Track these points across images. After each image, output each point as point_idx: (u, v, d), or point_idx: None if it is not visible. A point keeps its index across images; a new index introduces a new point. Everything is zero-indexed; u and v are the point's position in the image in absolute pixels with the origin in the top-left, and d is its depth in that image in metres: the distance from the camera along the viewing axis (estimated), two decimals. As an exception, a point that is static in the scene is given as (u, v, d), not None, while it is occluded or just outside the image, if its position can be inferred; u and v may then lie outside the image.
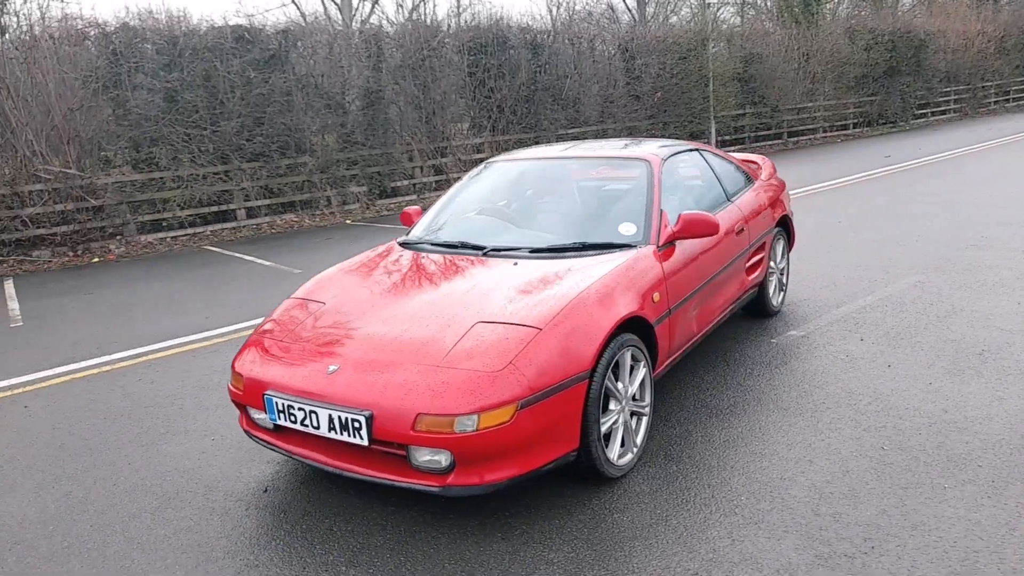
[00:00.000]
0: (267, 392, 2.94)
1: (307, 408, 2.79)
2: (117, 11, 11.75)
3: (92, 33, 11.59)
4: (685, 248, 3.74)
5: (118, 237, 11.62)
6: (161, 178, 11.79)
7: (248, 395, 3.03)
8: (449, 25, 15.11)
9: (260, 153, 12.63)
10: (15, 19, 11.15)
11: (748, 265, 4.64)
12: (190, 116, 11.96)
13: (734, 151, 15.67)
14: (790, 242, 5.48)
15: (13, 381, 5.01)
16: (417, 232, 4.22)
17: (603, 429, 2.97)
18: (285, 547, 2.82)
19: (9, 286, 8.94)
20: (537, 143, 16.20)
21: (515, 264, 3.46)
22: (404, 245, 4.07)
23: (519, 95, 15.64)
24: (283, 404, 2.87)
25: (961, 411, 3.55)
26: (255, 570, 2.69)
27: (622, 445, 3.16)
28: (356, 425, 2.68)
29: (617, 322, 2.99)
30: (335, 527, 2.94)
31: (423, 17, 15.69)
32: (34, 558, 2.86)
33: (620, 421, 3.12)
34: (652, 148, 4.30)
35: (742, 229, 4.46)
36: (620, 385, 3.11)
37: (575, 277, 3.19)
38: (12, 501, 3.33)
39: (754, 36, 20.62)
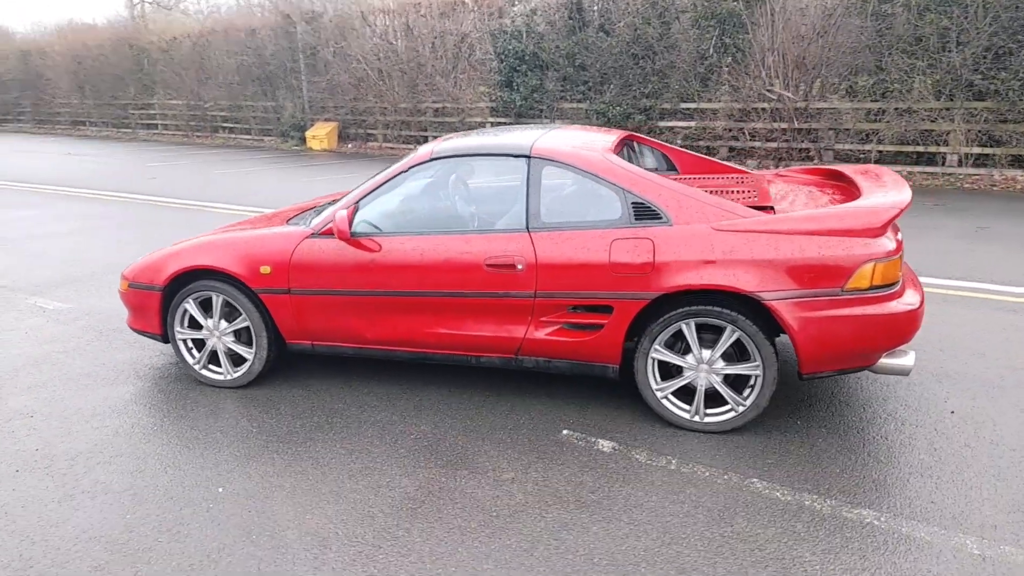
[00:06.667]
0: None
1: None
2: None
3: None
4: (353, 250, 3.67)
5: (813, 161, 12.44)
6: (870, 109, 11.67)
7: None
8: None
9: (994, 91, 10.69)
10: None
11: (553, 322, 3.44)
12: (914, 45, 11.19)
13: None
14: (813, 352, 3.13)
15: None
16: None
17: (183, 336, 4.07)
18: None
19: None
20: None
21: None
22: None
23: None
24: None
25: None
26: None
27: (215, 363, 4.10)
28: None
29: (190, 267, 3.86)
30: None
31: None
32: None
33: (209, 345, 4.05)
34: (450, 144, 3.77)
35: (513, 265, 3.39)
36: (210, 320, 4.01)
37: (245, 230, 4.09)
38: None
39: None
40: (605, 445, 3.33)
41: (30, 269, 6.64)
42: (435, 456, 3.29)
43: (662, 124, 13.62)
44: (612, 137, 3.91)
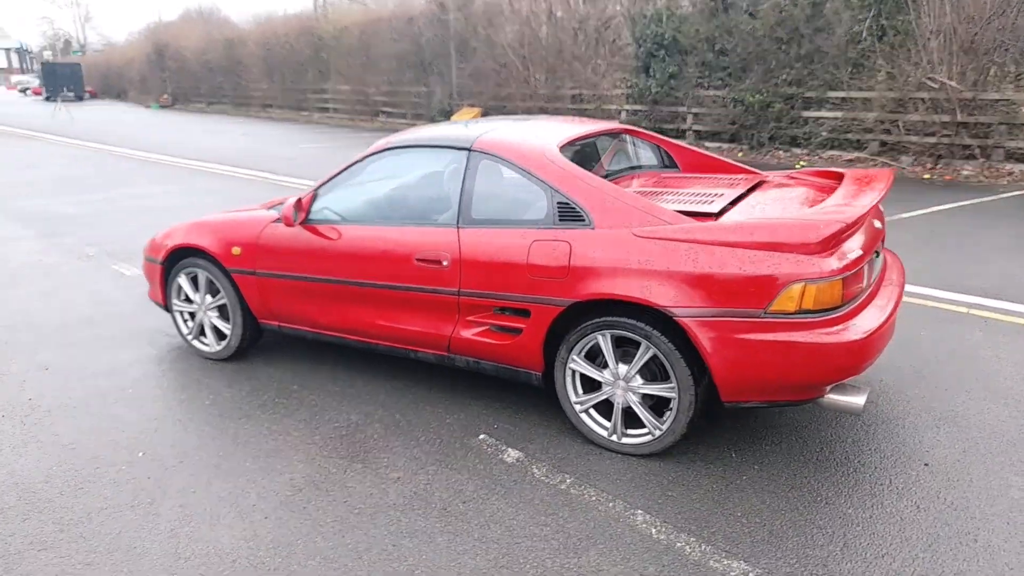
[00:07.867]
0: None
1: None
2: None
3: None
4: (307, 236, 3.76)
5: (978, 160, 10.99)
6: (1052, 100, 10.08)
7: None
8: None
9: None
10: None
11: (479, 322, 3.30)
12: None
13: None
14: (730, 378, 2.76)
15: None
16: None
17: (178, 308, 4.38)
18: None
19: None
20: None
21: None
22: None
23: None
24: None
25: None
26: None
27: (203, 335, 4.38)
28: None
29: (180, 245, 4.14)
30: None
31: None
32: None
33: (199, 318, 4.33)
34: (403, 135, 3.71)
35: (439, 261, 3.29)
36: (197, 295, 4.29)
37: (230, 213, 4.32)
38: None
39: None
40: (511, 455, 3.17)
41: (136, 238, 7.43)
42: (344, 447, 3.30)
43: (806, 114, 12.58)
44: (578, 130, 3.68)
